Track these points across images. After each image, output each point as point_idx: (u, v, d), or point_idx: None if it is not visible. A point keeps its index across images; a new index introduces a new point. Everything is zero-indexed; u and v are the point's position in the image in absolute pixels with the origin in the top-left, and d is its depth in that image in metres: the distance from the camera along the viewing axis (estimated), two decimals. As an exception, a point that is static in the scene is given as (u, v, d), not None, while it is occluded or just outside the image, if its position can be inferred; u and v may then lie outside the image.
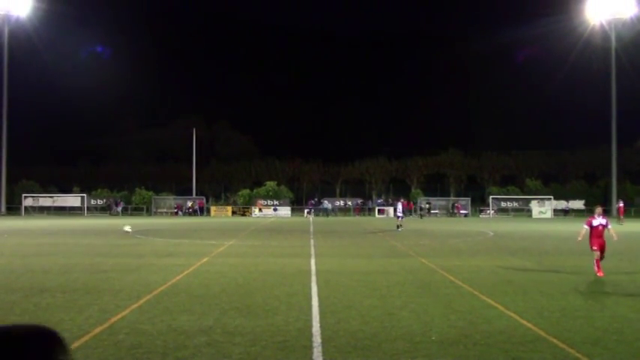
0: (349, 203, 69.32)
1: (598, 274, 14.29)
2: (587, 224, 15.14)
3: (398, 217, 34.89)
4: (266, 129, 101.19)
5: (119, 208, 64.40)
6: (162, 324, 8.82)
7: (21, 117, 72.60)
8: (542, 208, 63.18)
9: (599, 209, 15.60)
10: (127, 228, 24.29)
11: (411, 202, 67.44)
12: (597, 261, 14.56)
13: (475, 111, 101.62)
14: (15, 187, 68.44)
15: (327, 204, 66.78)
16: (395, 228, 34.37)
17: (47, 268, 15.66)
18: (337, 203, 69.95)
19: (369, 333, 8.30)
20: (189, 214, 62.76)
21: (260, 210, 63.91)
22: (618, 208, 49.01)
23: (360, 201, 70.79)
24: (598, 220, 15.01)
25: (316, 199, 69.95)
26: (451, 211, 64.92)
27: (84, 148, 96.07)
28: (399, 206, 35.70)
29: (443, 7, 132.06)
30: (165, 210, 64.86)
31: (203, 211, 64.55)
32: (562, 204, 65.19)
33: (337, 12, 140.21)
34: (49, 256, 18.95)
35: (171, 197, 67.95)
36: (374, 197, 76.18)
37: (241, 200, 68.14)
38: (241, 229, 36.54)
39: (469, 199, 67.01)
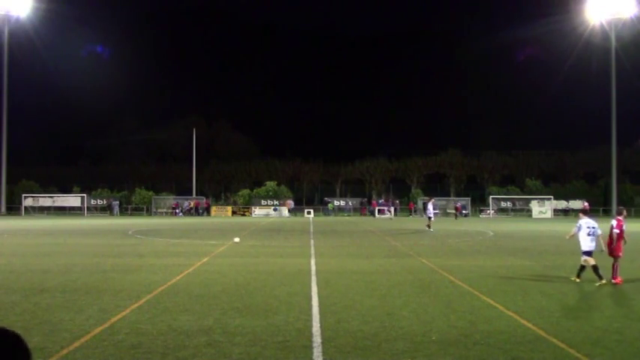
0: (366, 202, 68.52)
1: (618, 282, 13.27)
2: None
3: (429, 217, 34.43)
4: (266, 129, 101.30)
5: (115, 209, 64.36)
6: (163, 324, 8.81)
7: (21, 117, 72.72)
8: (542, 208, 63.17)
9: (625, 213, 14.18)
10: (237, 239, 25.24)
11: (412, 202, 67.46)
12: (618, 267, 13.42)
13: (475, 111, 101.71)
14: (15, 187, 68.39)
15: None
16: (426, 228, 33.95)
17: (47, 268, 15.66)
18: (347, 203, 69.90)
19: (370, 333, 8.30)
20: (188, 214, 62.64)
21: (290, 211, 63.34)
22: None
23: (364, 200, 70.84)
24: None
25: (327, 199, 69.53)
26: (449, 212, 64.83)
27: (84, 148, 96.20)
28: (430, 206, 35.24)
29: (443, 7, 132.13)
30: (165, 210, 64.82)
31: (200, 210, 64.14)
32: (562, 204, 65.16)
33: (337, 12, 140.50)
34: (48, 256, 18.95)
35: (171, 197, 67.88)
36: (374, 197, 76.12)
37: (241, 200, 68.11)
38: (241, 229, 36.51)
39: (469, 199, 67.00)
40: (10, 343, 1.71)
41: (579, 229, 13.57)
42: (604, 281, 13.08)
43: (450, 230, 36.01)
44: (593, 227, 13.37)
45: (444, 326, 8.77)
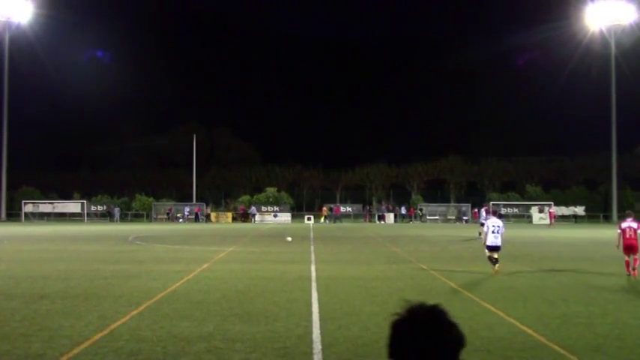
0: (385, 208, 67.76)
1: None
2: None
3: (482, 223, 34.21)
4: (266, 135, 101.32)
5: (116, 215, 64.08)
6: (163, 330, 8.80)
7: (21, 123, 72.63)
8: (543, 214, 63.08)
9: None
10: (289, 238, 25.65)
11: (412, 208, 67.42)
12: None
13: (475, 117, 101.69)
14: (15, 193, 68.35)
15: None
16: (479, 236, 33.62)
17: (47, 274, 15.64)
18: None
19: (370, 339, 8.28)
20: (193, 221, 62.57)
21: (325, 217, 62.94)
22: (549, 213, 57.73)
23: (368, 207, 70.68)
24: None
25: (331, 206, 68.88)
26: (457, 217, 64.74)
27: (84, 154, 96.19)
28: (483, 213, 35.16)
29: (442, 14, 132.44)
30: (165, 216, 64.68)
31: (202, 217, 63.83)
32: (562, 210, 65.12)
33: (337, 18, 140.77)
34: (48, 262, 18.93)
35: (172, 203, 67.78)
36: (374, 204, 76.13)
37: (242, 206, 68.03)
38: (241, 235, 36.50)
39: (469, 204, 66.93)
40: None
41: (487, 227, 16.09)
42: (496, 267, 15.65)
43: (450, 236, 35.98)
44: (498, 226, 15.92)
45: (444, 333, 8.74)
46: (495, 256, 15.76)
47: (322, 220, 62.31)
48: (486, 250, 16.07)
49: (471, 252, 24.24)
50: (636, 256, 15.30)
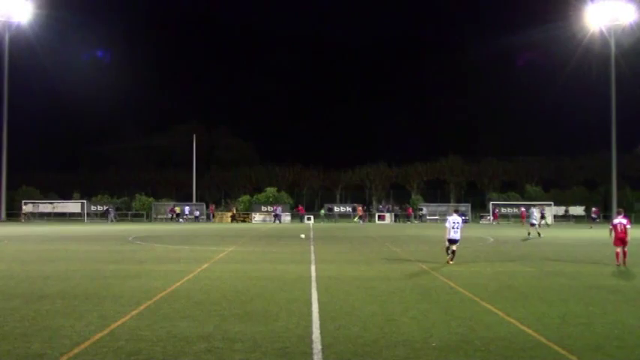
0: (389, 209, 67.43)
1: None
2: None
3: (532, 224, 34.46)
4: (266, 135, 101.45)
5: (110, 216, 63.25)
6: (162, 330, 8.80)
7: (21, 123, 72.72)
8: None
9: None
10: (302, 235, 26.27)
11: (410, 208, 67.34)
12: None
13: (475, 117, 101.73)
14: (15, 193, 68.35)
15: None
16: (528, 235, 33.52)
17: (47, 274, 15.64)
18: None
19: (370, 339, 8.29)
20: (193, 221, 62.56)
21: (360, 218, 62.59)
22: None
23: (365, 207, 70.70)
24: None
25: (328, 206, 68.77)
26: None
27: (84, 154, 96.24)
28: (535, 213, 35.43)
29: (442, 14, 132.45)
30: (165, 216, 64.62)
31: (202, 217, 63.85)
32: (562, 210, 65.11)
33: (337, 19, 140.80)
34: (48, 262, 18.92)
35: (172, 203, 67.73)
36: (374, 203, 76.17)
37: (241, 206, 68.04)
38: (241, 235, 36.50)
39: (469, 204, 66.94)
40: None
41: (448, 223, 18.34)
42: (452, 263, 18.10)
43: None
44: (458, 222, 18.36)
45: (444, 332, 8.76)
46: (454, 248, 18.34)
47: (356, 219, 62.57)
48: (446, 242, 18.54)
49: (471, 252, 24.23)
50: (625, 249, 17.89)
